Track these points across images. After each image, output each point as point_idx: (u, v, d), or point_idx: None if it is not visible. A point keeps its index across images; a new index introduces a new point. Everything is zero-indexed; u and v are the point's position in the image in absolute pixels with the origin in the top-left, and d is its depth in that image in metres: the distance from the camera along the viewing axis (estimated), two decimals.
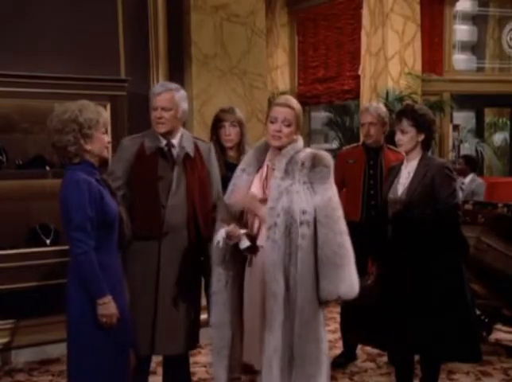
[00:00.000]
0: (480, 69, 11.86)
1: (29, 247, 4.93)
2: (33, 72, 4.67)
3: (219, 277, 3.31)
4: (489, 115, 12.57)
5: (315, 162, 3.19)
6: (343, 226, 3.17)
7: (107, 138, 3.18)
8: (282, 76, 11.86)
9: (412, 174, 3.83)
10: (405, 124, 3.83)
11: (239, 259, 3.30)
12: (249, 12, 5.63)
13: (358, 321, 4.12)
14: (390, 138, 8.23)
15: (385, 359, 4.83)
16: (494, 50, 11.83)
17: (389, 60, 9.72)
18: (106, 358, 3.08)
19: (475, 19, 12.11)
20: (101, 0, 5.26)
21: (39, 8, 5.00)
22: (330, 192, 3.18)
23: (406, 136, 3.83)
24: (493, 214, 5.01)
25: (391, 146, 4.90)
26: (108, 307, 3.01)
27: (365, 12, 10.00)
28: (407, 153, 3.89)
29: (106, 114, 3.21)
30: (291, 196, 3.13)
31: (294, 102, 3.34)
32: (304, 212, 3.12)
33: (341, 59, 10.69)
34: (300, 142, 3.32)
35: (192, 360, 5.00)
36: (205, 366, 4.88)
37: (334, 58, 10.83)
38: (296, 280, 3.10)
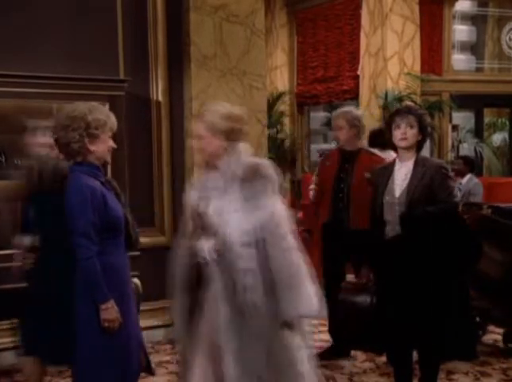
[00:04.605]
0: (479, 69, 11.86)
1: None
2: (33, 72, 4.68)
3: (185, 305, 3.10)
4: (488, 115, 12.58)
5: (252, 174, 2.94)
6: (291, 241, 2.94)
7: (112, 142, 3.19)
8: (281, 77, 11.87)
9: (409, 175, 3.81)
10: (412, 119, 3.81)
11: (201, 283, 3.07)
12: (248, 12, 5.63)
13: (349, 326, 4.14)
14: (379, 138, 8.34)
15: (384, 359, 4.82)
16: (493, 50, 11.83)
17: (388, 60, 9.73)
18: (114, 358, 3.09)
19: (474, 19, 12.11)
20: (100, 0, 5.26)
21: (39, 8, 5.00)
22: (272, 206, 2.94)
23: (413, 130, 3.81)
24: (477, 216, 5.00)
25: (371, 149, 4.96)
26: (110, 312, 3.03)
27: (364, 12, 10.01)
28: (406, 150, 3.85)
29: (114, 119, 3.22)
30: (225, 218, 2.93)
31: (208, 109, 3.13)
32: (246, 233, 2.89)
33: (340, 59, 10.70)
34: (242, 152, 3.05)
35: None
36: None
37: (333, 58, 10.84)
38: (245, 306, 2.90)
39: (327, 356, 4.95)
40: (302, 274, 2.94)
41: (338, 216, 4.83)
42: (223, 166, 3.01)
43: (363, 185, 4.73)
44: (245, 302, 2.90)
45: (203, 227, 3.00)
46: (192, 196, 3.11)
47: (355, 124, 4.86)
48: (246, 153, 3.05)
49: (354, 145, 4.87)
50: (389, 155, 8.09)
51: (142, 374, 3.63)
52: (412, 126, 3.80)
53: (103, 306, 3.02)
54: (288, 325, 2.97)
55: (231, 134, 3.01)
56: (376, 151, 5.04)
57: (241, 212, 2.91)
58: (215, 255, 2.93)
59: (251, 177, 2.93)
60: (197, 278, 3.03)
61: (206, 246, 2.95)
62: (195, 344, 3.07)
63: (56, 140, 3.12)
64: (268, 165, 2.98)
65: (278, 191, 2.99)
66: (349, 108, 5.11)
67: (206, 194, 3.04)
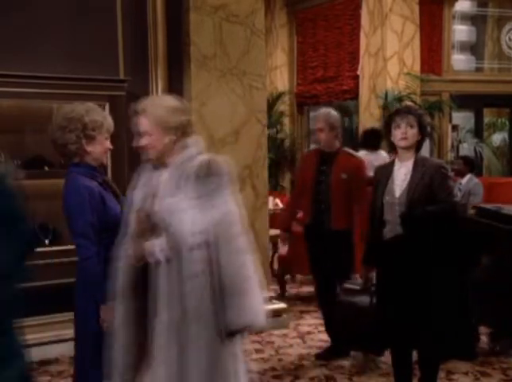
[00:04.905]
0: (479, 69, 11.87)
1: None
2: (33, 72, 4.68)
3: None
4: (488, 116, 12.59)
5: (206, 172, 2.72)
6: (242, 244, 2.72)
7: (109, 144, 3.20)
8: (281, 77, 11.87)
9: (409, 176, 3.81)
10: (412, 119, 3.81)
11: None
12: (248, 12, 5.63)
13: (349, 326, 4.15)
14: (370, 138, 8.40)
15: (384, 359, 4.83)
16: (493, 50, 11.84)
17: (388, 60, 9.74)
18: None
19: (474, 19, 12.13)
20: (100, 0, 5.26)
21: (39, 8, 5.00)
22: (225, 206, 2.71)
23: (413, 130, 3.81)
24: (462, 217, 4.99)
25: (350, 150, 4.98)
26: (110, 313, 3.03)
27: (364, 12, 10.02)
28: (406, 149, 3.84)
29: (111, 121, 3.23)
30: (178, 217, 2.70)
31: (151, 103, 2.86)
32: (197, 234, 2.67)
33: (340, 59, 10.71)
34: (194, 147, 2.83)
35: None
36: None
37: (333, 58, 10.85)
38: (191, 311, 2.68)
39: (326, 356, 4.96)
40: (252, 280, 2.72)
41: (319, 218, 4.86)
42: (175, 163, 2.79)
43: (341, 186, 4.75)
44: (189, 307, 2.68)
45: (152, 226, 2.79)
46: (136, 195, 2.88)
47: (335, 126, 4.91)
48: (198, 148, 2.84)
49: (333, 146, 4.90)
50: (380, 155, 8.20)
51: None
52: (412, 126, 3.81)
53: (103, 306, 3.03)
54: (234, 334, 2.75)
55: (181, 129, 2.81)
56: (354, 152, 5.08)
57: (194, 210, 2.70)
58: (163, 255, 2.72)
59: (205, 174, 2.72)
60: (142, 281, 2.80)
61: (154, 246, 2.74)
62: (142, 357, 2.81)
63: (54, 141, 3.12)
64: (223, 162, 2.78)
65: (233, 190, 2.79)
66: (328, 110, 5.11)
67: (154, 192, 2.81)
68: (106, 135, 3.17)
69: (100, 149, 3.15)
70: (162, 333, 2.71)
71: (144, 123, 2.79)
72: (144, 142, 2.80)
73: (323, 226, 4.84)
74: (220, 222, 2.69)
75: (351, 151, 5.00)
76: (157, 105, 2.83)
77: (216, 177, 2.72)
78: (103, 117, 3.19)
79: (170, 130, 2.77)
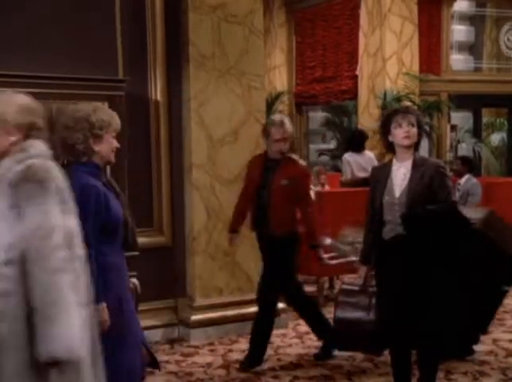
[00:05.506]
0: (478, 69, 11.90)
1: None
2: (33, 72, 4.67)
3: None
4: (486, 115, 12.61)
5: (20, 178, 2.37)
6: (57, 262, 2.34)
7: (116, 143, 3.21)
8: (280, 76, 11.89)
9: (408, 175, 3.82)
10: (412, 118, 3.83)
11: None
12: (247, 12, 5.63)
13: (347, 328, 4.15)
14: (354, 140, 8.44)
15: (383, 359, 4.83)
16: (491, 50, 11.87)
17: (386, 60, 9.75)
18: (113, 355, 3.09)
19: (473, 19, 12.15)
20: (99, 0, 5.26)
21: (39, 8, 5.00)
22: (40, 217, 2.35)
23: (414, 129, 3.82)
24: None
25: (295, 157, 4.96)
26: (101, 315, 3.03)
27: (363, 12, 10.03)
28: (406, 149, 3.84)
29: (118, 120, 3.24)
30: None
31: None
32: (8, 248, 2.35)
33: (339, 59, 10.72)
34: (35, 148, 2.49)
35: (190, 360, 5.04)
36: (203, 366, 4.89)
37: (332, 58, 10.86)
38: (3, 339, 2.33)
39: (325, 356, 4.96)
40: (64, 305, 2.33)
41: (261, 222, 4.86)
42: (1, 166, 2.46)
43: (281, 192, 4.72)
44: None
45: None
46: None
47: (292, 135, 4.91)
48: (32, 152, 2.48)
49: (283, 153, 4.86)
50: (366, 156, 8.26)
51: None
52: (413, 125, 3.83)
53: (96, 307, 3.02)
54: (51, 366, 2.34)
55: (25, 130, 2.50)
56: (299, 159, 5.04)
57: (9, 222, 2.37)
58: None
59: (19, 181, 2.38)
60: None
61: None
62: None
63: (62, 140, 3.12)
64: (45, 168, 2.43)
65: (59, 199, 2.45)
66: (286, 118, 5.01)
67: None
68: (113, 134, 3.18)
69: (107, 148, 3.16)
70: None
71: None
72: None
73: (266, 230, 4.85)
74: (32, 235, 2.34)
75: (295, 158, 4.96)
76: (4, 100, 2.53)
77: (32, 184, 2.37)
78: (111, 116, 3.20)
79: (11, 129, 2.48)
